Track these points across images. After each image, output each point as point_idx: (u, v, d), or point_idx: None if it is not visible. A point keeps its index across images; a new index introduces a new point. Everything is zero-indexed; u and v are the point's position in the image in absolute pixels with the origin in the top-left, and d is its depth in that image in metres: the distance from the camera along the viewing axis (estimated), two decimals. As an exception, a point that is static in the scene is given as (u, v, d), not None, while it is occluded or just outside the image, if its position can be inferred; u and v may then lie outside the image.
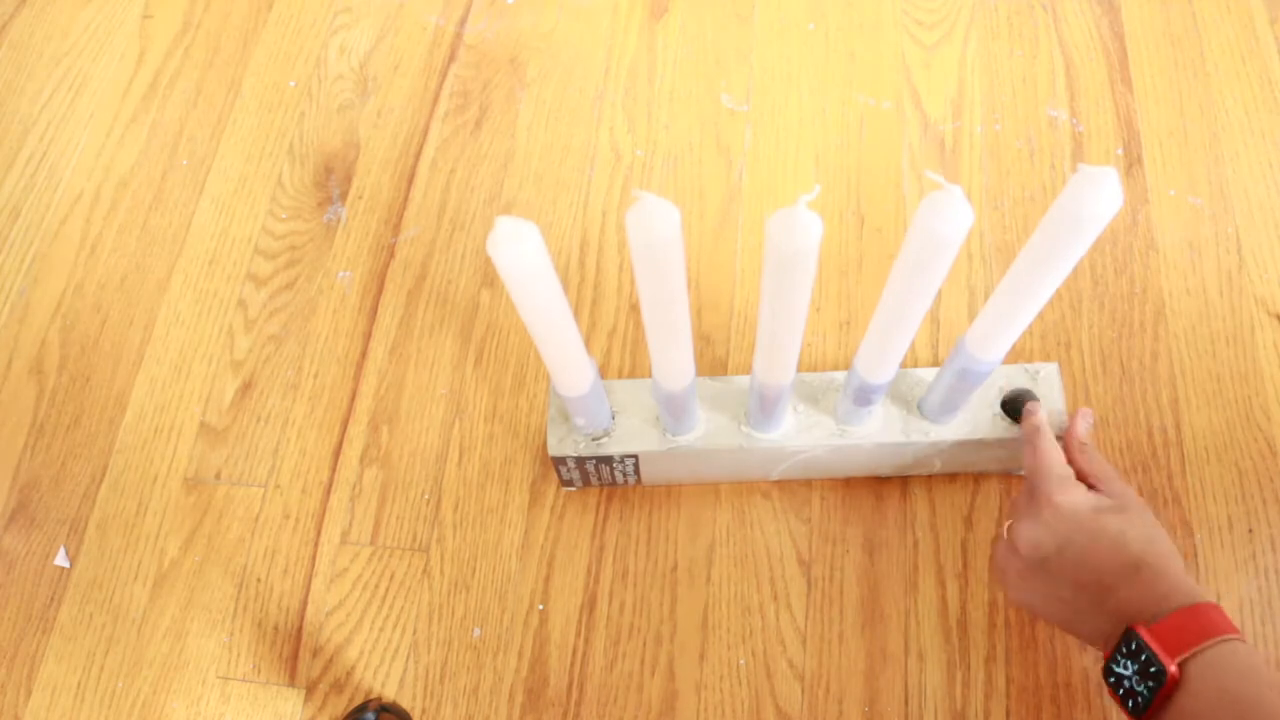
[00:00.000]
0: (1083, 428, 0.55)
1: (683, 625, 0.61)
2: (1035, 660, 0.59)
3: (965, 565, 0.61)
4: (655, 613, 0.61)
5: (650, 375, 0.58)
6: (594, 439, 0.57)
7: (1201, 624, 0.44)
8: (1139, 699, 0.45)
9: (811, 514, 0.63)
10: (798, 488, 0.64)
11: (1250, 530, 0.62)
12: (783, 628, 0.60)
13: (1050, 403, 0.56)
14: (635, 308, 0.70)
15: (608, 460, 0.58)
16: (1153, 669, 0.44)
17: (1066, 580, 0.50)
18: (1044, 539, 0.50)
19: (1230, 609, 0.59)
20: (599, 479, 0.62)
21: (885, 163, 0.75)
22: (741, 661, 0.59)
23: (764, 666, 0.59)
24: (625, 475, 0.61)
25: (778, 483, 0.64)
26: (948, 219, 0.38)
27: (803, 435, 0.57)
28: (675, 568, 0.62)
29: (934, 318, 0.69)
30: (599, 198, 0.74)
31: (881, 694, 0.58)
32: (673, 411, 0.54)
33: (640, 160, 0.76)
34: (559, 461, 0.59)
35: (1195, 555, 0.61)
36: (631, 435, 0.57)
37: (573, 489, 0.64)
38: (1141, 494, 0.63)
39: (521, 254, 0.40)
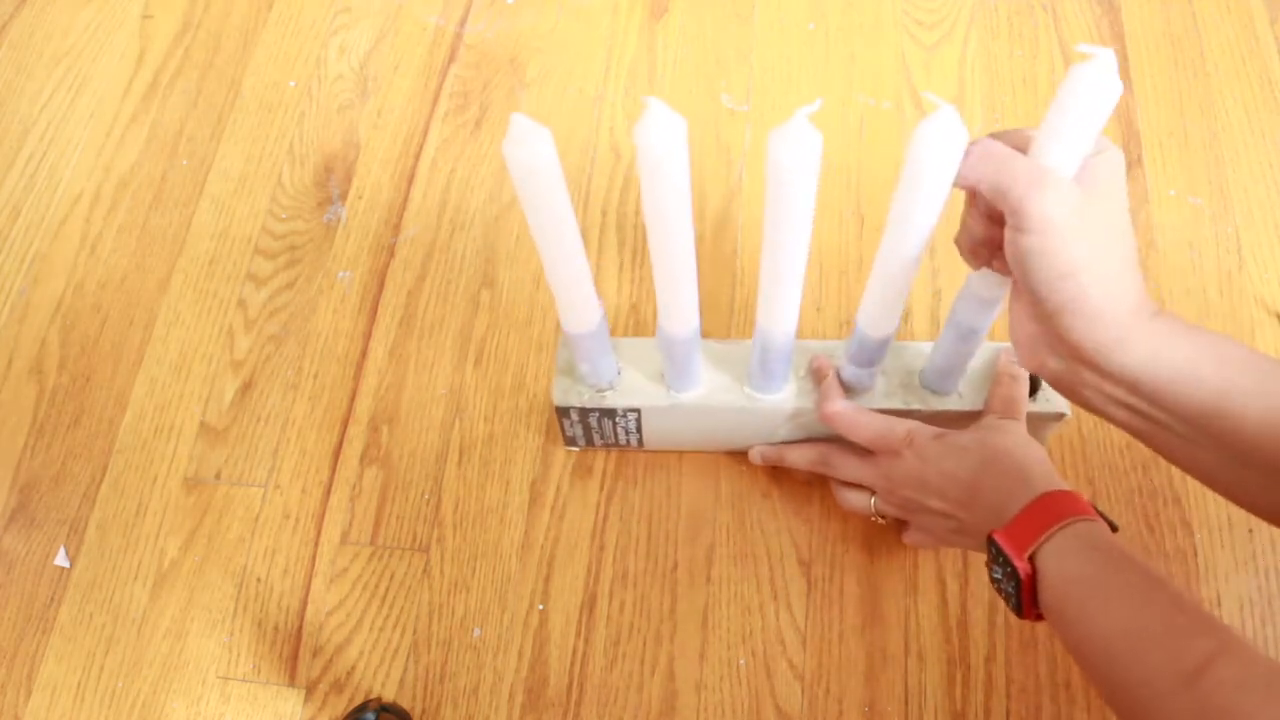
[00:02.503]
0: (842, 406, 0.56)
1: (683, 625, 0.61)
2: (1035, 660, 0.59)
3: (965, 565, 0.61)
4: (655, 613, 0.61)
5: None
6: (598, 390, 0.58)
7: (1045, 514, 0.45)
8: (1012, 600, 0.46)
9: (811, 514, 0.63)
10: (798, 488, 0.64)
11: (1250, 530, 0.62)
12: (783, 628, 0.60)
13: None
14: (635, 307, 0.70)
15: (610, 414, 0.59)
16: (1009, 569, 0.45)
17: (947, 507, 0.51)
18: (907, 492, 0.53)
19: (1230, 609, 0.60)
20: (602, 436, 0.62)
21: (885, 163, 0.75)
22: (741, 661, 0.60)
23: (764, 666, 0.59)
24: (628, 433, 0.62)
25: (777, 482, 0.64)
26: (943, 138, 0.39)
27: (803, 398, 0.58)
28: (675, 568, 0.62)
29: (934, 315, 0.69)
30: (599, 197, 0.74)
31: (881, 694, 0.58)
32: (676, 362, 0.55)
33: (640, 160, 0.76)
34: (563, 414, 0.60)
35: (1195, 555, 0.61)
36: (635, 390, 0.58)
37: (575, 448, 0.65)
38: (1141, 494, 0.63)
39: (535, 154, 0.41)
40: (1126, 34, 0.80)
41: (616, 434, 0.62)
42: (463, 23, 0.83)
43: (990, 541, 0.47)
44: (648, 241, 0.46)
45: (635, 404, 0.58)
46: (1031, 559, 0.44)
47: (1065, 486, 0.47)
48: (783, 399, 0.58)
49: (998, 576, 0.47)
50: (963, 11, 0.81)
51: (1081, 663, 0.43)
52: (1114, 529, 0.46)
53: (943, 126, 0.38)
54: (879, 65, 0.79)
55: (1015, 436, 0.51)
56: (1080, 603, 0.42)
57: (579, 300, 0.51)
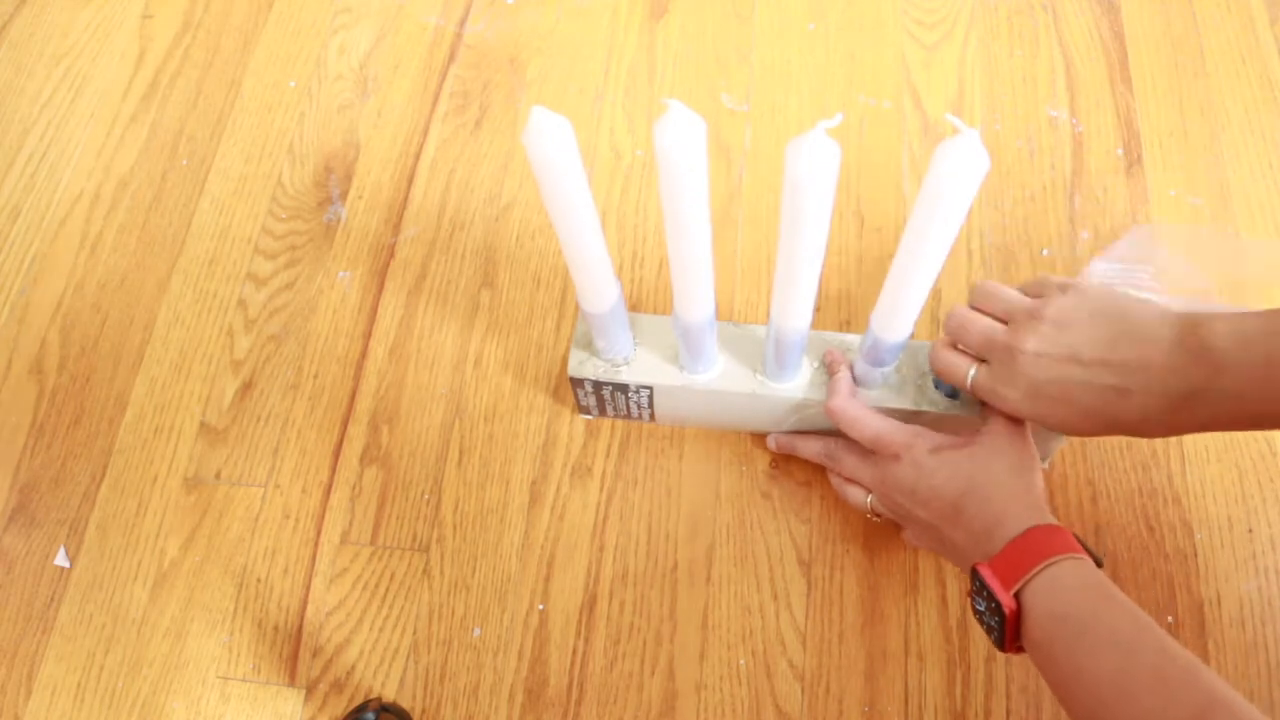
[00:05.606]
0: (846, 389, 0.57)
1: (683, 625, 0.61)
2: (1035, 660, 0.59)
3: (965, 565, 0.61)
4: (655, 613, 0.61)
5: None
6: (613, 365, 0.59)
7: (1032, 550, 0.45)
8: (994, 633, 0.46)
9: (811, 514, 0.63)
10: (797, 488, 0.64)
11: (1250, 530, 0.62)
12: (783, 628, 0.60)
13: None
14: (635, 308, 0.70)
15: (624, 389, 0.60)
16: (994, 603, 0.45)
17: (932, 520, 0.52)
18: (899, 498, 0.54)
19: (1230, 609, 0.60)
20: (614, 409, 0.63)
21: (885, 163, 0.75)
22: (741, 661, 0.59)
23: (764, 666, 0.59)
24: (640, 408, 0.63)
25: (778, 482, 0.64)
26: (964, 162, 0.39)
27: (815, 390, 0.58)
28: (675, 568, 0.62)
29: (934, 316, 0.69)
30: (599, 197, 0.74)
31: (881, 694, 0.58)
32: (690, 346, 0.55)
33: (640, 160, 0.76)
34: (577, 384, 0.60)
35: (1195, 555, 0.61)
36: (649, 368, 0.59)
37: (589, 417, 0.66)
38: (1141, 494, 0.63)
39: (555, 145, 0.42)
40: (1126, 34, 0.79)
41: (629, 408, 0.63)
42: (463, 23, 0.83)
43: (974, 574, 0.46)
44: (665, 233, 0.47)
45: (648, 381, 0.59)
46: (1016, 595, 0.44)
47: (1053, 520, 0.47)
48: (795, 388, 0.59)
49: (980, 609, 0.47)
50: (963, 11, 0.81)
51: (1067, 702, 0.42)
52: (1099, 564, 0.45)
53: (964, 151, 0.39)
54: (879, 65, 0.79)
55: (1013, 459, 0.50)
56: (1067, 643, 0.42)
57: (597, 282, 0.52)
